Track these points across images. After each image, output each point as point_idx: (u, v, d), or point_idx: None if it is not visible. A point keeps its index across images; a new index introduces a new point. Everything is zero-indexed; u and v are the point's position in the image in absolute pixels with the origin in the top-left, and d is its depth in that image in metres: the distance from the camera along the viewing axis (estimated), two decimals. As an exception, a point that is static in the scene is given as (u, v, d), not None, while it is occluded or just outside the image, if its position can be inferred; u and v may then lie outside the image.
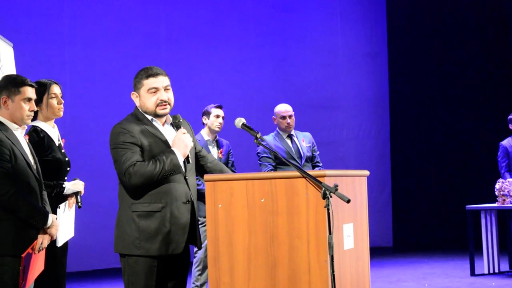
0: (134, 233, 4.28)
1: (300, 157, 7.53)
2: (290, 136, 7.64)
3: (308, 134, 7.81)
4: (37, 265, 4.53)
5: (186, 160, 4.42)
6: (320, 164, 7.72)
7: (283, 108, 7.67)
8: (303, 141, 7.67)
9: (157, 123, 4.47)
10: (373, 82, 13.76)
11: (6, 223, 4.35)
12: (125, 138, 4.30)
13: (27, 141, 4.65)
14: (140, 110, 4.47)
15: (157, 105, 4.41)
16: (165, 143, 4.42)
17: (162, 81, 4.44)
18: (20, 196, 4.32)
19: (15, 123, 4.51)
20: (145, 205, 4.30)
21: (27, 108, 4.51)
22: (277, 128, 7.70)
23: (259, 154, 7.55)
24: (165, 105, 4.43)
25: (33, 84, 4.60)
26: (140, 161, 4.26)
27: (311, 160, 7.64)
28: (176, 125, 4.50)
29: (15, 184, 4.33)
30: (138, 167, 4.23)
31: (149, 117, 4.45)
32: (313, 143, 7.75)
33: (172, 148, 4.36)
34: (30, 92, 4.54)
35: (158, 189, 4.30)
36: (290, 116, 7.62)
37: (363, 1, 13.82)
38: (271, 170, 7.35)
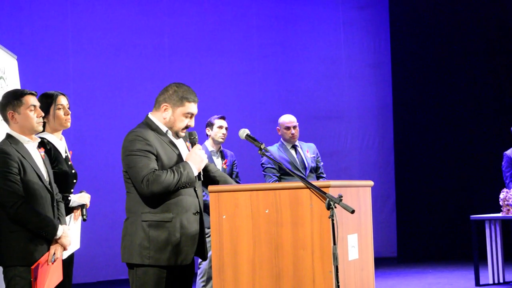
0: (144, 242, 4.30)
1: (305, 167, 7.53)
2: (294, 147, 7.65)
3: (312, 144, 7.82)
4: (54, 276, 4.55)
5: (198, 176, 4.47)
6: (324, 175, 7.72)
7: (287, 119, 7.67)
8: (308, 151, 7.67)
9: (170, 135, 4.51)
10: (377, 93, 13.77)
11: (16, 235, 4.38)
12: (141, 145, 4.32)
13: (43, 154, 4.67)
14: (156, 121, 4.50)
15: (183, 128, 4.49)
16: (179, 155, 4.47)
17: (196, 108, 4.55)
18: (28, 208, 4.35)
19: (26, 134, 4.54)
20: (156, 215, 4.32)
21: (35, 116, 4.54)
22: (281, 139, 7.69)
23: (263, 165, 7.55)
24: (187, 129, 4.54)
25: (33, 92, 4.63)
26: (157, 169, 4.29)
27: (315, 170, 7.65)
28: (191, 142, 4.55)
29: (23, 196, 4.35)
30: (157, 175, 4.25)
31: (164, 128, 4.49)
32: (317, 153, 7.75)
33: (188, 162, 4.39)
34: (33, 100, 4.57)
35: (169, 199, 4.33)
36: (294, 127, 7.62)
37: (366, 12, 13.84)
38: (276, 181, 7.35)
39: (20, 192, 4.36)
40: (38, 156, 4.59)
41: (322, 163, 7.77)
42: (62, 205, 4.72)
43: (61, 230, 4.51)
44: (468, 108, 13.26)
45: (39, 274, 4.36)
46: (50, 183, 4.59)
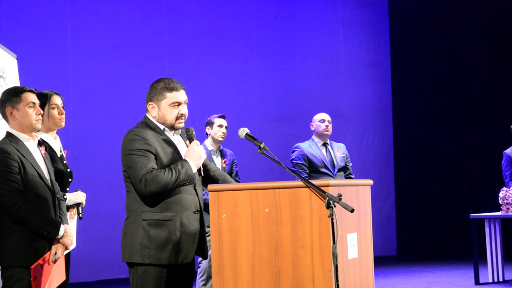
0: (144, 241, 4.30)
1: (334, 166, 7.55)
2: (325, 145, 7.69)
3: (342, 145, 7.90)
4: (56, 276, 4.54)
5: (198, 172, 4.46)
6: (353, 176, 7.75)
7: (322, 115, 7.76)
8: (338, 151, 7.73)
9: (168, 133, 4.51)
10: (376, 92, 13.77)
11: (17, 235, 4.36)
12: (140, 145, 4.32)
13: (43, 152, 4.66)
14: (153, 120, 4.50)
15: (177, 119, 4.46)
16: (177, 153, 4.46)
17: (183, 95, 4.50)
18: (29, 207, 4.33)
19: (26, 132, 4.53)
20: (156, 213, 4.32)
21: (34, 113, 4.53)
22: (314, 135, 7.76)
23: (293, 161, 7.58)
24: (183, 119, 4.49)
25: (32, 89, 4.61)
26: (156, 169, 4.28)
27: (344, 170, 7.67)
28: (189, 138, 4.54)
29: (24, 196, 4.34)
30: (154, 174, 4.24)
31: (161, 127, 4.49)
32: (346, 154, 7.82)
33: (186, 159, 4.39)
34: (32, 97, 4.55)
35: (169, 198, 4.33)
36: (329, 121, 7.71)
37: (365, 10, 13.84)
38: (306, 177, 7.33)
39: (21, 191, 4.35)
40: (38, 154, 4.58)
41: (351, 164, 7.82)
42: (63, 204, 4.71)
43: (62, 229, 4.50)
44: (467, 107, 13.27)
45: (39, 274, 4.35)
46: (51, 182, 4.58)
